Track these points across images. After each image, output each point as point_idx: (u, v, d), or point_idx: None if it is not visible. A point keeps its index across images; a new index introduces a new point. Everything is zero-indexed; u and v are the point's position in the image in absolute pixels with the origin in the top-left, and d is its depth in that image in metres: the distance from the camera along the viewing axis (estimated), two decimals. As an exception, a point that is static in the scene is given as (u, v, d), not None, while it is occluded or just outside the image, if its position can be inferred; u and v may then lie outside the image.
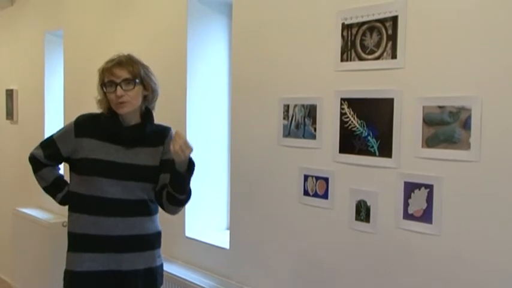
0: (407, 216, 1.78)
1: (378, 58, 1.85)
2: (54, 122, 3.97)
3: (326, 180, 2.03)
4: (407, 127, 1.77)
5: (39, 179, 2.11)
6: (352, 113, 1.93)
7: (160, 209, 2.13)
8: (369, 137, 1.88)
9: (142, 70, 2.01)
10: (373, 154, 1.87)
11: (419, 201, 1.74)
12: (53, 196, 2.12)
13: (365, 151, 1.89)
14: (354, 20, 1.91)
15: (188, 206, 2.72)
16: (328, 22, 2.01)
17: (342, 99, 1.96)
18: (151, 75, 2.05)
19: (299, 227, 2.15)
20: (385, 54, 1.82)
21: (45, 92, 4.16)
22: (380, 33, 1.84)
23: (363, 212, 1.91)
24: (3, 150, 4.82)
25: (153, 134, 2.06)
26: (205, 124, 2.79)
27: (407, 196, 1.77)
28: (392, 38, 1.80)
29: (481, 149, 1.59)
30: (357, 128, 1.92)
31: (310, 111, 2.08)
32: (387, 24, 1.81)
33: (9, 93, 4.67)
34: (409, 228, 1.77)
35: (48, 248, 3.63)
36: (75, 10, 3.77)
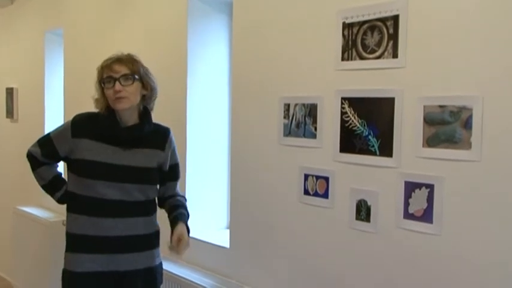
0: (407, 215, 1.77)
1: (378, 57, 1.84)
2: (54, 121, 3.97)
3: (326, 179, 2.03)
4: (408, 127, 1.77)
5: (38, 176, 2.10)
6: (352, 112, 1.93)
7: (159, 208, 2.14)
8: (370, 137, 1.88)
9: (141, 68, 2.01)
10: (373, 153, 1.87)
11: (419, 201, 1.74)
12: (51, 195, 2.11)
13: (365, 150, 1.89)
14: (355, 19, 1.91)
15: (188, 205, 2.72)
16: (329, 21, 2.00)
17: (342, 98, 1.96)
18: (150, 75, 2.04)
19: (299, 226, 2.15)
20: (386, 53, 1.82)
21: (45, 91, 4.15)
22: (381, 32, 1.83)
23: (363, 211, 1.91)
24: (3, 149, 4.82)
25: (151, 135, 2.05)
26: (205, 123, 2.79)
27: (407, 196, 1.77)
28: (393, 37, 1.79)
29: (482, 149, 1.59)
30: (358, 128, 1.91)
31: (311, 111, 2.08)
32: (388, 23, 1.81)
33: (9, 92, 4.66)
34: (410, 228, 1.77)
35: (49, 247, 3.64)
36: (75, 9, 3.76)
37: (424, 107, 1.72)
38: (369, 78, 1.88)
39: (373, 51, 1.86)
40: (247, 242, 2.39)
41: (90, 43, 3.57)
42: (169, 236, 2.02)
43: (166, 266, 2.48)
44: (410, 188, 1.76)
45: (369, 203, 1.89)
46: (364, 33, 1.88)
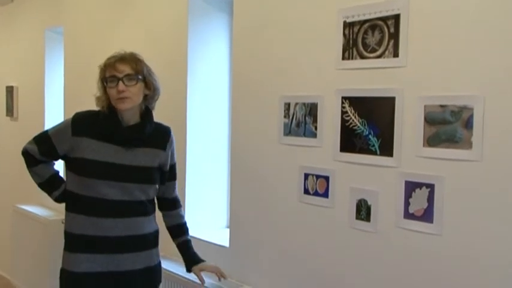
0: (408, 215, 1.77)
1: (379, 56, 1.84)
2: (54, 119, 3.97)
3: (326, 178, 2.03)
4: (408, 126, 1.76)
5: (34, 174, 2.07)
6: (353, 111, 1.93)
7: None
8: (370, 136, 1.87)
9: (145, 68, 1.99)
10: (374, 153, 1.86)
11: (420, 201, 1.74)
12: (49, 193, 2.08)
13: (366, 150, 1.89)
14: (356, 18, 1.90)
15: (188, 205, 2.72)
16: (329, 20, 2.00)
17: (343, 97, 1.95)
18: (153, 74, 2.02)
19: (299, 225, 2.14)
20: (386, 52, 1.81)
21: (45, 89, 4.15)
22: (382, 31, 1.83)
23: (363, 211, 1.90)
24: (3, 147, 4.82)
25: (152, 134, 2.04)
26: (205, 122, 2.79)
27: (408, 195, 1.77)
28: (394, 36, 1.79)
29: (483, 149, 1.58)
30: (358, 127, 1.91)
31: (311, 110, 2.07)
32: (389, 22, 1.80)
33: (9, 90, 4.66)
34: (410, 228, 1.76)
35: (48, 245, 3.64)
36: (76, 7, 3.76)
37: (425, 106, 1.71)
38: (369, 77, 1.87)
39: (373, 51, 1.86)
40: (247, 241, 2.39)
41: (90, 41, 3.56)
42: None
43: (166, 265, 2.48)
44: (411, 187, 1.76)
45: (369, 203, 1.89)
46: (365, 33, 1.88)
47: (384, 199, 1.84)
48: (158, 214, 2.16)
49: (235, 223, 2.46)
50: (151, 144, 2.04)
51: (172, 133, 2.13)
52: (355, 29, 1.91)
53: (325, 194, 2.03)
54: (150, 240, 2.07)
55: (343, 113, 1.96)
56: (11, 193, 4.63)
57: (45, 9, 4.16)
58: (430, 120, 1.70)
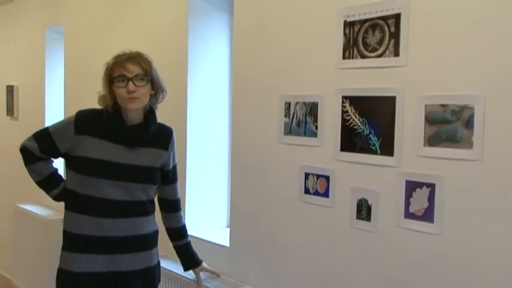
0: (408, 215, 1.77)
1: (380, 56, 1.84)
2: (54, 118, 3.96)
3: (327, 178, 2.02)
4: (409, 125, 1.76)
5: (32, 172, 2.04)
6: (353, 111, 1.92)
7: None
8: (371, 135, 1.87)
9: (153, 69, 1.98)
10: (374, 152, 1.86)
11: (420, 200, 1.73)
12: (47, 191, 2.06)
13: (366, 149, 1.88)
14: (356, 18, 1.90)
15: (188, 204, 2.72)
16: (330, 19, 1.99)
17: (343, 97, 1.95)
18: (160, 75, 2.01)
19: (299, 225, 2.14)
20: (387, 52, 1.81)
21: (45, 89, 4.15)
22: (382, 30, 1.82)
23: (363, 210, 1.90)
24: (3, 147, 4.82)
25: (155, 134, 2.04)
26: (206, 122, 2.79)
27: (408, 195, 1.77)
28: (395, 35, 1.79)
29: (484, 148, 1.58)
30: (359, 126, 1.91)
31: (312, 109, 2.07)
32: (390, 21, 1.80)
33: (10, 90, 4.66)
34: (410, 227, 1.76)
35: (48, 245, 3.63)
36: (76, 6, 3.76)
37: (426, 105, 1.71)
38: (370, 76, 1.87)
39: (374, 50, 1.85)
40: (248, 240, 2.38)
41: (90, 40, 3.56)
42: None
43: (166, 265, 2.48)
44: (411, 187, 1.76)
45: (369, 202, 1.88)
46: (366, 32, 1.88)
47: (384, 199, 1.84)
48: (157, 214, 2.16)
49: (235, 223, 2.46)
50: (154, 144, 2.04)
51: (174, 134, 2.13)
52: (356, 29, 1.91)
53: (326, 194, 2.03)
54: (150, 241, 2.07)
55: (344, 112, 1.95)
56: (11, 192, 4.63)
57: (46, 9, 4.16)
58: (430, 119, 1.70)
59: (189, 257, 2.25)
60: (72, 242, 1.98)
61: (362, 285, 1.92)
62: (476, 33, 1.60)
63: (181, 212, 2.26)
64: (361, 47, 1.89)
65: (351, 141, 1.93)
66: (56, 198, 2.07)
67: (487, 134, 1.57)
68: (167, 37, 2.84)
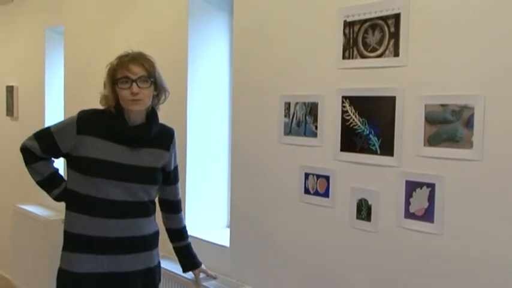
0: (408, 215, 1.77)
1: (380, 56, 1.83)
2: (54, 119, 3.96)
3: (327, 178, 2.02)
4: (409, 125, 1.76)
5: (33, 172, 2.03)
6: (353, 111, 1.92)
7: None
8: (371, 135, 1.87)
9: (156, 70, 1.97)
10: (374, 152, 1.86)
11: (420, 200, 1.73)
12: (48, 191, 2.06)
13: (366, 149, 1.88)
14: (356, 18, 1.90)
15: (188, 204, 2.72)
16: (330, 19, 1.99)
17: (343, 97, 1.95)
18: (162, 76, 2.01)
19: (300, 225, 2.14)
20: (387, 52, 1.81)
21: (45, 89, 4.15)
22: (382, 30, 1.82)
23: (364, 210, 1.90)
24: (3, 147, 4.82)
25: (157, 135, 2.04)
26: (206, 122, 2.79)
27: (408, 195, 1.77)
28: (395, 35, 1.79)
29: (484, 148, 1.58)
30: (359, 126, 1.91)
31: (312, 109, 2.07)
32: (390, 21, 1.80)
33: (10, 90, 4.66)
34: (411, 227, 1.76)
35: (48, 245, 3.63)
36: (76, 6, 3.76)
37: (426, 105, 1.71)
38: (370, 76, 1.87)
39: (374, 50, 1.85)
40: (248, 241, 2.38)
41: (90, 40, 3.56)
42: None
43: (166, 265, 2.48)
44: (411, 187, 1.76)
45: (369, 202, 1.88)
46: (365, 32, 1.88)
47: (384, 199, 1.84)
48: (158, 214, 2.16)
49: (235, 223, 2.45)
50: (156, 145, 2.04)
51: (175, 135, 2.13)
52: (356, 29, 1.91)
53: (326, 194, 2.03)
54: (151, 241, 2.07)
55: (344, 112, 1.95)
56: (11, 193, 4.63)
57: (46, 9, 4.16)
58: (430, 119, 1.70)
59: (188, 259, 2.25)
60: (73, 242, 1.97)
61: (362, 285, 1.92)
62: (476, 33, 1.60)
63: (182, 213, 2.26)
64: (361, 47, 1.89)
65: (351, 141, 1.93)
66: (57, 198, 2.06)
67: (487, 134, 1.57)
68: (167, 37, 2.84)
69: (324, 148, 2.03)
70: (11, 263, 4.33)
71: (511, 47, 1.52)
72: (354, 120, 1.92)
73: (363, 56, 1.89)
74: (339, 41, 1.96)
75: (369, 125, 1.88)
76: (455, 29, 1.64)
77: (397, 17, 1.78)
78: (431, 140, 1.70)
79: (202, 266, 2.29)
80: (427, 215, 1.71)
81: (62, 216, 2.07)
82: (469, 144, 1.61)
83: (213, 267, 2.41)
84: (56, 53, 4.14)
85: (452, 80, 1.65)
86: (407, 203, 1.77)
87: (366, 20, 1.87)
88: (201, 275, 2.31)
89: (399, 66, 1.78)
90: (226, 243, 2.50)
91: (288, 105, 2.17)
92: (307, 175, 2.10)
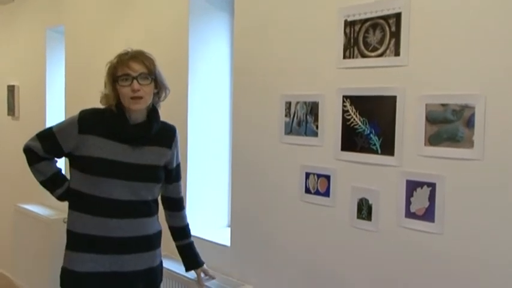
0: (409, 214, 1.77)
1: (380, 55, 1.83)
2: (55, 118, 3.97)
3: (328, 177, 2.02)
4: (410, 125, 1.76)
5: (36, 172, 2.04)
6: (354, 110, 1.92)
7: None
8: (371, 135, 1.87)
9: (156, 68, 1.98)
10: (375, 152, 1.86)
11: (421, 200, 1.73)
12: (51, 191, 2.06)
13: (367, 149, 1.88)
14: (357, 17, 1.90)
15: (189, 204, 2.72)
16: (330, 19, 1.99)
17: (344, 96, 1.95)
18: (162, 73, 2.01)
19: (300, 224, 2.14)
20: (388, 51, 1.81)
21: (46, 88, 4.15)
22: (383, 30, 1.82)
23: (364, 210, 1.90)
24: (4, 146, 4.83)
25: (158, 133, 2.04)
26: (206, 121, 2.79)
27: (409, 194, 1.77)
28: (396, 35, 1.79)
29: (485, 148, 1.58)
30: (359, 126, 1.91)
31: (312, 109, 2.07)
32: (390, 21, 1.80)
33: (11, 89, 4.66)
34: (411, 227, 1.76)
35: (49, 244, 3.64)
36: (76, 6, 3.76)
37: (426, 105, 1.71)
38: (370, 76, 1.87)
39: (375, 49, 1.85)
40: (248, 240, 2.39)
41: (91, 40, 3.56)
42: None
43: (167, 264, 2.48)
44: (412, 186, 1.76)
45: (370, 202, 1.88)
46: (366, 31, 1.88)
47: (385, 198, 1.84)
48: (161, 214, 2.16)
49: (236, 222, 2.46)
50: (158, 143, 2.04)
51: (177, 132, 2.13)
52: (356, 28, 1.90)
53: (327, 193, 2.03)
54: (154, 241, 2.07)
55: (344, 112, 1.95)
56: (12, 192, 4.63)
57: (46, 9, 4.16)
58: (431, 119, 1.70)
59: (191, 257, 2.25)
60: (75, 241, 1.98)
61: (363, 284, 1.92)
62: (476, 32, 1.60)
63: (185, 211, 2.26)
64: (362, 47, 1.89)
65: (351, 140, 1.93)
66: (60, 198, 2.07)
67: (487, 133, 1.57)
68: (167, 37, 2.84)
69: (325, 147, 2.03)
70: (12, 263, 4.33)
71: (511, 47, 1.52)
72: (354, 119, 1.92)
73: (363, 56, 1.89)
74: (339, 40, 1.96)
75: (370, 124, 1.88)
76: (456, 29, 1.64)
77: (398, 16, 1.78)
78: (432, 140, 1.70)
79: (204, 266, 2.29)
80: (428, 215, 1.71)
81: (63, 215, 2.08)
82: (470, 144, 1.61)
83: (213, 267, 2.41)
84: (56, 52, 4.15)
85: (453, 79, 1.65)
86: (408, 203, 1.77)
87: (366, 20, 1.87)
88: (202, 275, 2.31)
89: (400, 65, 1.78)
90: (227, 243, 2.51)
91: (288, 105, 2.17)
92: (307, 174, 2.10)
